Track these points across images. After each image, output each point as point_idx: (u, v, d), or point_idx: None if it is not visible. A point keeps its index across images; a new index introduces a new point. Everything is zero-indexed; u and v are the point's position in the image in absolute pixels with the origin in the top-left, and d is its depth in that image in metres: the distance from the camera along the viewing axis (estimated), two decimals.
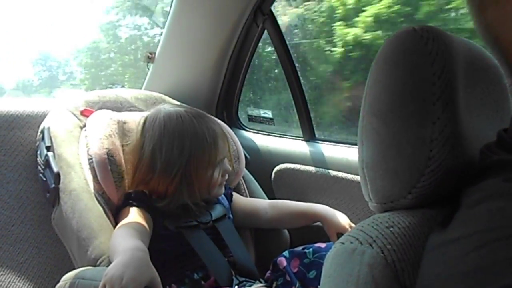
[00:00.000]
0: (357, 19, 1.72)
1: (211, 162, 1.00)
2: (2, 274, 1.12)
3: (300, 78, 1.37)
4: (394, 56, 0.50)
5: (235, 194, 1.18)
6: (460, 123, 0.49)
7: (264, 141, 1.47)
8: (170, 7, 1.35)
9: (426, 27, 0.51)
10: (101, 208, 0.97)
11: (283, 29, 1.37)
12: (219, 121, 1.15)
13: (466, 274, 0.35)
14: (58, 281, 0.88)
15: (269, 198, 1.27)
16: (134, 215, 0.96)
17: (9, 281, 1.12)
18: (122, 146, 1.07)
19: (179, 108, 1.05)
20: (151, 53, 1.48)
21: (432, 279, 0.39)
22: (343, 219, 1.08)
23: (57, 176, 1.00)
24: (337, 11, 1.81)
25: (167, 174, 0.98)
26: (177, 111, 1.02)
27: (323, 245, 0.98)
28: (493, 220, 0.38)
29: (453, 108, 0.49)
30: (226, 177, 1.08)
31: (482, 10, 0.47)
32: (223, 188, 1.08)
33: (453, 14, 1.51)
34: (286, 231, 1.20)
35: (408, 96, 0.48)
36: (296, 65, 1.36)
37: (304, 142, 1.38)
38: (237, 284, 0.95)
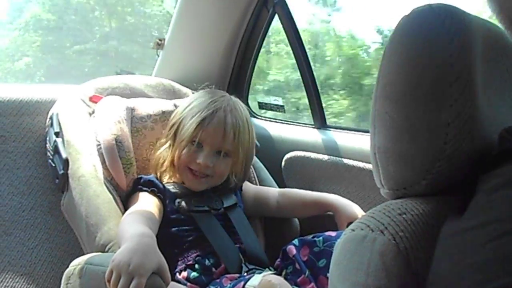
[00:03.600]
0: None
1: (189, 133, 0.99)
2: (13, 259, 1.13)
3: (311, 64, 1.34)
4: (409, 35, 0.48)
5: (245, 183, 1.17)
6: (478, 106, 0.47)
7: (274, 129, 1.45)
8: None
9: (443, 5, 0.48)
10: (109, 194, 0.97)
11: None
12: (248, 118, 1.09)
13: (483, 264, 0.34)
14: (68, 267, 0.88)
15: (279, 186, 1.26)
16: (144, 200, 0.96)
17: (20, 265, 1.14)
18: (132, 132, 1.07)
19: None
20: (160, 40, 1.46)
21: (447, 267, 0.37)
22: (355, 209, 1.06)
23: (66, 162, 1.00)
24: None
25: (168, 136, 1.05)
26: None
27: (333, 233, 0.97)
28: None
29: (471, 91, 0.46)
30: (203, 170, 1.01)
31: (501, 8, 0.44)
32: (201, 184, 1.03)
33: None
34: (296, 219, 1.19)
35: (423, 77, 0.46)
36: (307, 51, 1.33)
37: (315, 130, 1.36)
38: (247, 272, 0.94)
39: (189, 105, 1.05)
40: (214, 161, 1.01)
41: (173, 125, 1.05)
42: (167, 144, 1.06)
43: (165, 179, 1.06)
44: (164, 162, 1.05)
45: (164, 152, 1.05)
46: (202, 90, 1.12)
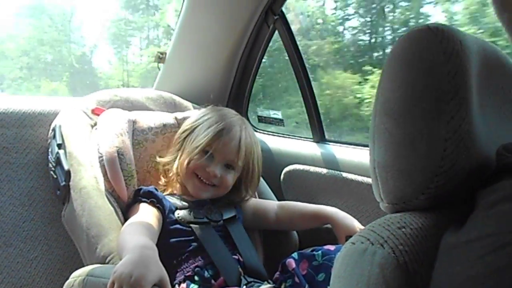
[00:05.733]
0: None
1: (205, 141, 1.02)
2: (12, 270, 1.13)
3: (311, 79, 1.36)
4: (408, 54, 0.49)
5: None
6: (475, 122, 0.48)
7: (273, 142, 1.46)
8: (181, 7, 1.36)
9: (441, 25, 0.50)
10: (110, 206, 0.98)
11: None
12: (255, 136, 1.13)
13: (483, 276, 0.34)
14: (68, 278, 0.88)
15: (278, 200, 1.26)
16: (143, 211, 0.96)
17: (20, 277, 1.13)
18: (133, 144, 1.08)
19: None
20: (162, 53, 1.48)
21: (446, 280, 0.38)
22: (353, 222, 1.07)
23: (68, 174, 1.01)
24: None
25: (176, 143, 1.09)
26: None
27: (332, 247, 0.97)
28: (510, 222, 0.37)
29: (467, 107, 0.48)
30: (210, 179, 1.03)
31: (505, 8, 0.46)
32: (206, 192, 1.05)
33: None
34: (295, 232, 1.20)
35: (421, 94, 0.48)
36: (307, 66, 1.36)
37: (314, 144, 1.37)
38: (245, 284, 0.94)
39: (205, 115, 1.09)
40: (222, 172, 1.04)
41: (183, 132, 1.08)
42: (175, 151, 1.08)
43: (169, 189, 1.08)
44: (171, 168, 1.07)
45: (172, 159, 1.08)
46: (212, 106, 1.15)
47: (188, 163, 1.03)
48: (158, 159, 1.10)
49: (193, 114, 1.14)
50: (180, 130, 1.10)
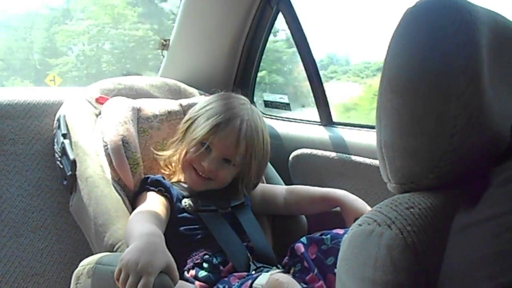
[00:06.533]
0: None
1: (201, 134, 0.98)
2: (24, 260, 1.14)
3: (316, 62, 1.33)
4: (415, 27, 0.47)
5: None
6: (486, 98, 0.46)
7: (281, 127, 1.45)
8: None
9: None
10: (117, 195, 0.97)
11: None
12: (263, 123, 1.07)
13: (497, 255, 0.33)
14: (77, 267, 0.89)
15: (286, 184, 1.25)
16: (151, 200, 0.96)
17: (31, 267, 1.15)
18: (138, 132, 1.07)
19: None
20: (165, 40, 1.47)
21: (459, 261, 0.37)
22: (363, 205, 1.05)
23: (74, 164, 1.01)
24: None
25: (179, 133, 1.06)
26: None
27: (341, 231, 0.96)
28: None
29: (478, 82, 0.46)
30: (206, 173, 1.00)
31: None
32: (202, 185, 1.02)
33: None
34: (303, 217, 1.19)
35: (429, 69, 0.46)
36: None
37: (321, 127, 1.36)
38: (255, 270, 0.94)
39: (208, 105, 1.04)
40: (219, 167, 1.00)
41: (186, 121, 1.06)
42: (177, 142, 1.06)
43: (175, 178, 1.07)
44: (176, 158, 1.05)
45: (174, 151, 1.06)
46: (223, 93, 1.09)
47: (185, 155, 1.01)
48: (160, 153, 1.08)
49: (198, 102, 1.11)
50: (184, 120, 1.07)
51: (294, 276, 0.90)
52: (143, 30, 4.30)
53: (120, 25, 4.34)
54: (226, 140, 0.99)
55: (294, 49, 1.35)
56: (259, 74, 1.53)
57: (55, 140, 1.10)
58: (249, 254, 0.97)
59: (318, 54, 1.36)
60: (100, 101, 1.12)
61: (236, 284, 0.84)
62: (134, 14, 4.40)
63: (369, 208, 1.05)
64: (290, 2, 1.32)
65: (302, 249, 0.95)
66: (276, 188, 1.19)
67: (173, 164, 1.08)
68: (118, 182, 1.00)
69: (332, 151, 1.28)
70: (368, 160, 1.19)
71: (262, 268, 0.95)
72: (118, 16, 4.32)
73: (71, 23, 4.34)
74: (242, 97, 1.08)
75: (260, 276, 0.80)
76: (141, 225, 0.83)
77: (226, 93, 1.10)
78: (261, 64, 1.49)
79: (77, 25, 4.35)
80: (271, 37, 1.48)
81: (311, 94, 1.36)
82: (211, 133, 0.98)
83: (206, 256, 0.94)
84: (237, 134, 0.99)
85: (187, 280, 0.91)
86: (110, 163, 1.00)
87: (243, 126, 0.99)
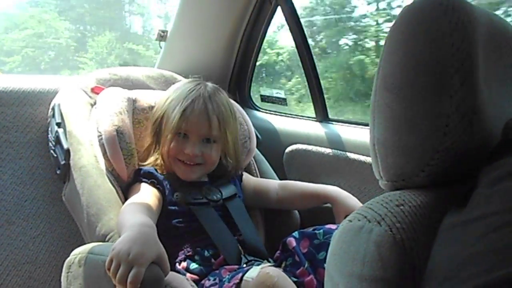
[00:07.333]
0: None
1: (174, 126, 0.99)
2: (15, 248, 1.14)
3: (314, 57, 1.33)
4: (411, 25, 0.47)
5: (245, 174, 1.17)
6: (479, 97, 0.47)
7: (276, 122, 1.45)
8: None
9: None
10: (110, 185, 0.97)
11: None
12: (233, 102, 1.12)
13: (484, 255, 0.33)
14: (69, 256, 0.89)
15: (280, 179, 1.25)
16: (144, 191, 0.96)
17: (22, 255, 1.14)
18: (133, 123, 1.07)
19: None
20: (163, 31, 1.46)
21: (446, 259, 0.37)
22: (355, 202, 1.06)
23: (67, 153, 1.00)
24: None
25: (152, 124, 1.06)
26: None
27: (334, 226, 0.96)
28: None
29: (472, 82, 0.46)
30: (192, 159, 1.00)
31: None
32: (193, 173, 1.03)
33: None
34: (296, 212, 1.19)
35: (424, 68, 0.46)
36: (310, 43, 1.33)
37: (317, 123, 1.36)
38: (246, 263, 0.95)
39: (168, 98, 1.05)
40: (202, 149, 1.01)
41: (155, 120, 1.05)
42: (154, 142, 1.06)
43: (166, 171, 1.07)
44: (156, 160, 1.04)
45: (156, 150, 1.05)
46: (175, 84, 1.13)
47: (168, 151, 1.01)
48: (144, 163, 1.05)
49: (161, 99, 1.09)
50: (152, 120, 1.06)
51: (285, 270, 0.90)
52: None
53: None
54: (198, 121, 1.00)
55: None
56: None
57: (49, 129, 1.09)
58: (240, 247, 0.97)
59: None
60: (95, 90, 1.11)
61: (227, 276, 0.85)
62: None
63: (360, 204, 1.05)
64: None
65: (294, 243, 0.95)
66: (269, 182, 1.19)
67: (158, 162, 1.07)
68: (112, 173, 1.00)
69: (327, 147, 1.28)
70: (362, 157, 1.19)
71: (253, 261, 0.95)
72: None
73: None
74: (193, 78, 1.11)
75: (251, 269, 0.81)
76: (133, 216, 0.83)
77: (181, 81, 1.14)
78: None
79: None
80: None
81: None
82: (182, 120, 0.99)
83: (198, 249, 0.95)
84: (205, 111, 1.00)
85: (178, 272, 0.91)
86: (104, 153, 1.00)
87: (208, 103, 1.01)
